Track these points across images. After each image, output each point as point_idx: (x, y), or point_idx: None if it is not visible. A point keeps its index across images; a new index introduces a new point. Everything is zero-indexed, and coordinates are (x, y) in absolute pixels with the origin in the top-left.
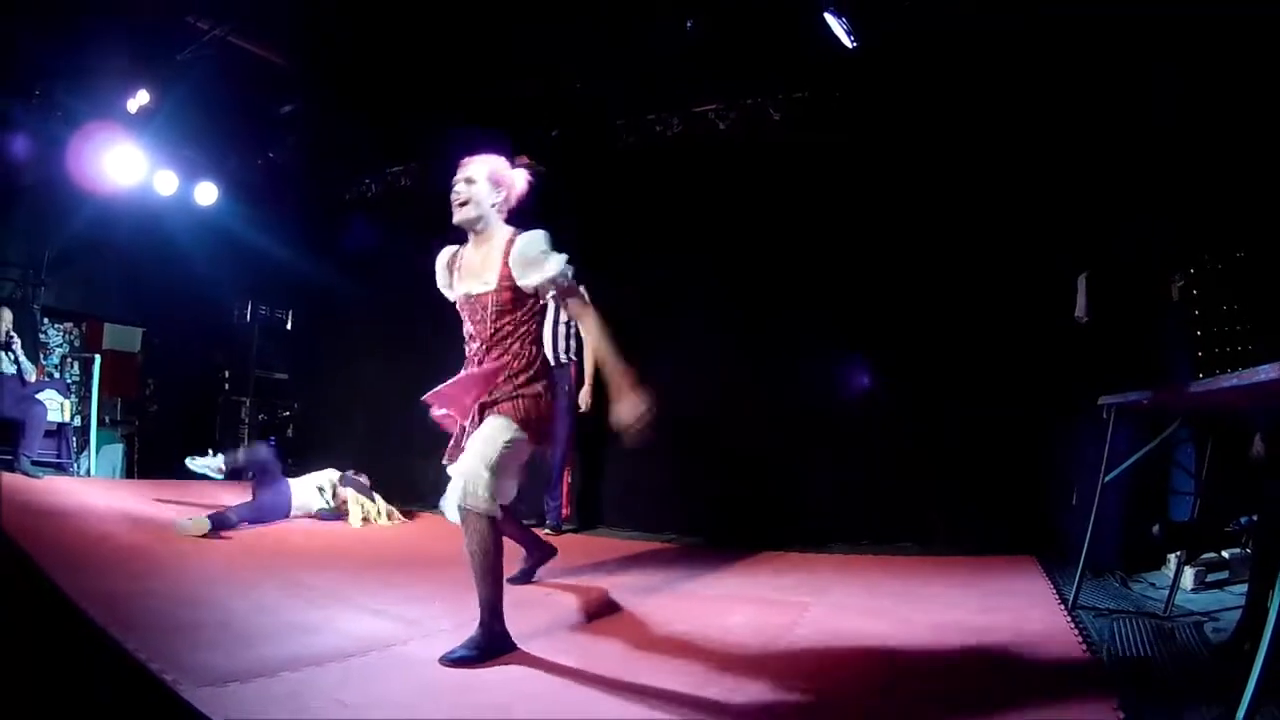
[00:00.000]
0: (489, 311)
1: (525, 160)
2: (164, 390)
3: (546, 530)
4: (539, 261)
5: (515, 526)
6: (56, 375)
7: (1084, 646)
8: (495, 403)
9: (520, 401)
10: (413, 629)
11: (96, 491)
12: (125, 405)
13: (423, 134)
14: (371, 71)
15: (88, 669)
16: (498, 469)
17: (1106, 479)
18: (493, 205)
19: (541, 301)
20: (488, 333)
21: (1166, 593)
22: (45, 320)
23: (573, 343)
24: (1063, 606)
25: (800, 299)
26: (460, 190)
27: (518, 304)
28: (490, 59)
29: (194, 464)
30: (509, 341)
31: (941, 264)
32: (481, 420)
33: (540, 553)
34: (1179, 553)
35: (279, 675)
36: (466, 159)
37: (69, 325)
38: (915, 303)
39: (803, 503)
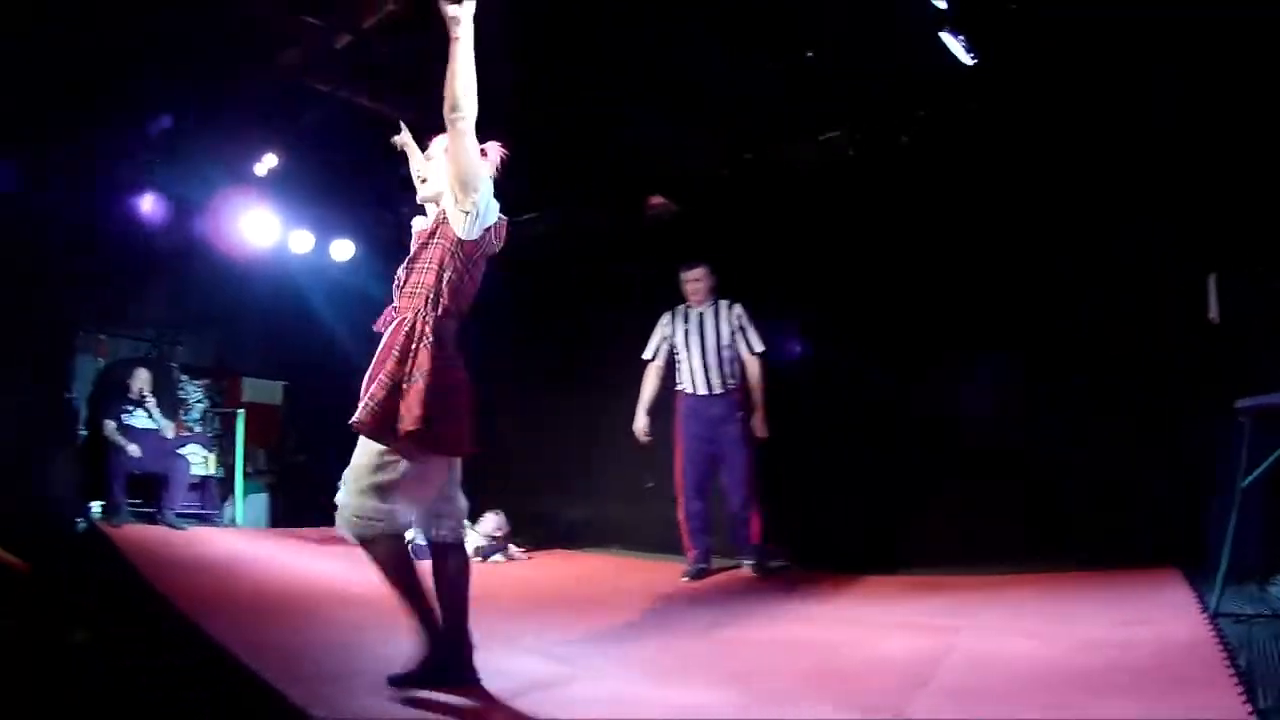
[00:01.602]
0: None
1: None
2: (307, 441)
3: (751, 571)
4: None
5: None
6: (198, 429)
7: (1224, 655)
8: None
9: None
10: (573, 668)
11: (243, 542)
12: (268, 456)
13: (551, 184)
14: (498, 117)
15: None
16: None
17: (1244, 484)
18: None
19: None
20: None
21: None
22: (184, 377)
23: (736, 367)
24: (1205, 615)
25: (935, 312)
26: (418, 168)
27: None
28: (620, 101)
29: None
30: None
31: (1075, 269)
32: None
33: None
34: None
35: None
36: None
37: (207, 381)
38: (1047, 308)
39: (940, 524)
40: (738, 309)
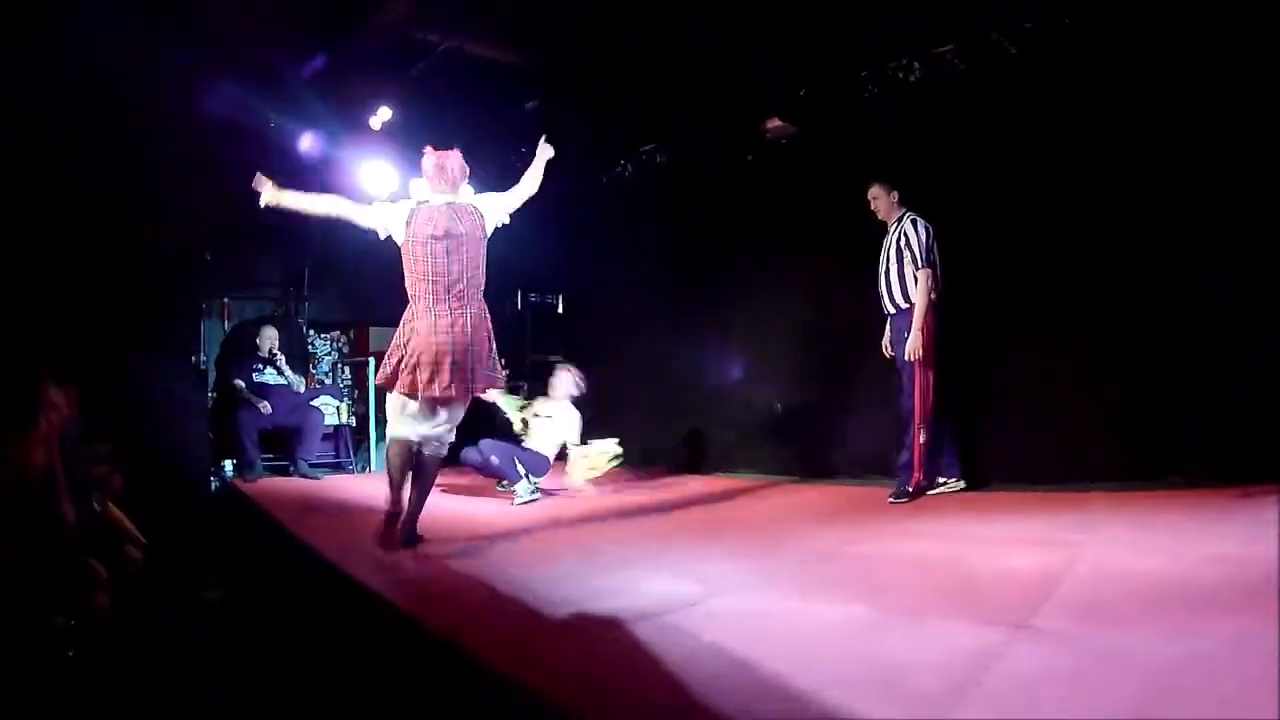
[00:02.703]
0: None
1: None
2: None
3: (890, 499)
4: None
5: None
6: (328, 382)
7: None
8: None
9: None
10: (709, 586)
11: (378, 487)
12: None
13: (669, 111)
14: (610, 54)
15: (400, 651)
16: None
17: None
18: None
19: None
20: None
21: None
22: (311, 332)
23: (911, 285)
24: None
25: (1055, 223)
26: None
27: None
28: (726, 27)
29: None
30: None
31: (1195, 177)
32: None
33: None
34: None
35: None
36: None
37: (335, 334)
38: (1169, 217)
39: (1067, 440)
40: (906, 224)
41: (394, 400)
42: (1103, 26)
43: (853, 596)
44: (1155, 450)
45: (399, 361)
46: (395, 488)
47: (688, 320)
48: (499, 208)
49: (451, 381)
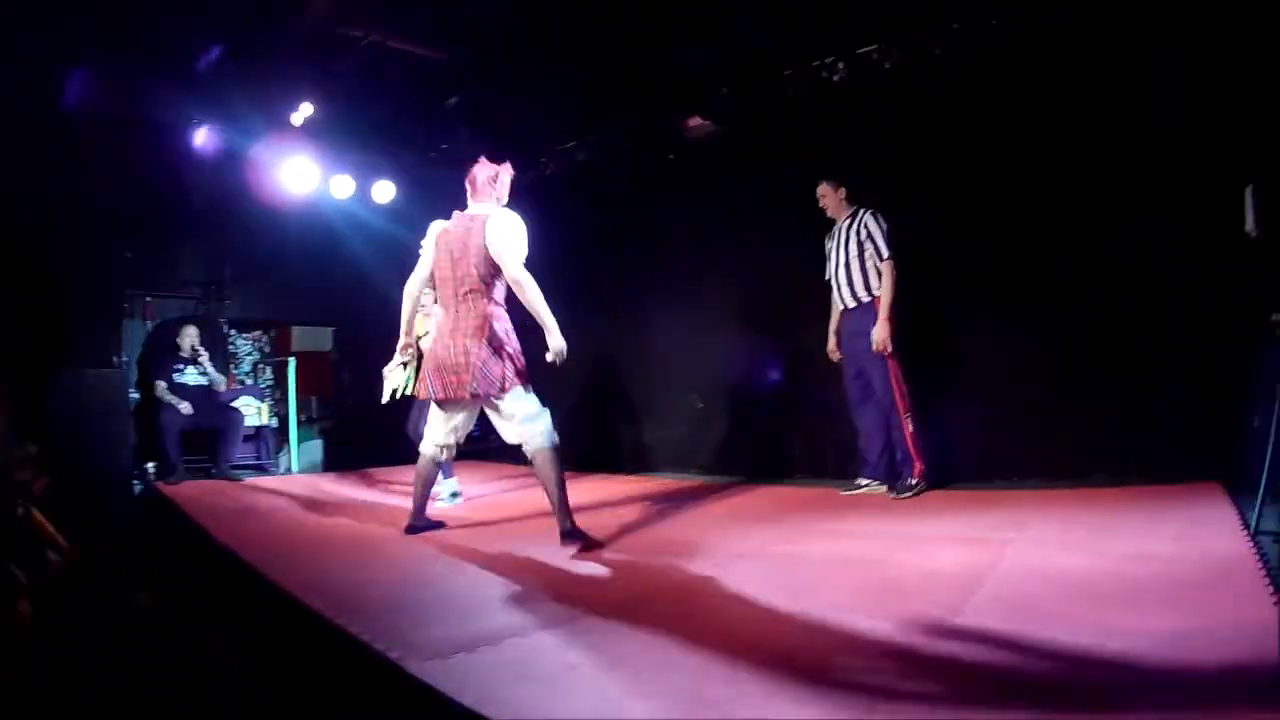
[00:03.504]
0: None
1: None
2: (358, 384)
3: (893, 494)
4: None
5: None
6: (249, 382)
7: (1264, 572)
8: None
9: None
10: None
11: (300, 488)
12: (321, 402)
13: (592, 109)
14: (531, 52)
15: (316, 656)
16: None
17: None
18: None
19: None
20: None
21: None
22: (232, 332)
23: (873, 277)
24: (1246, 533)
25: (977, 223)
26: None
27: None
28: (650, 25)
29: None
30: None
31: (1112, 185)
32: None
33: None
34: None
35: (505, 643)
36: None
37: (256, 333)
38: (1087, 221)
39: (998, 439)
40: (867, 217)
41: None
42: (1037, 28)
43: (780, 595)
44: (1082, 448)
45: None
46: (414, 499)
47: (610, 319)
48: (500, 241)
49: (444, 385)
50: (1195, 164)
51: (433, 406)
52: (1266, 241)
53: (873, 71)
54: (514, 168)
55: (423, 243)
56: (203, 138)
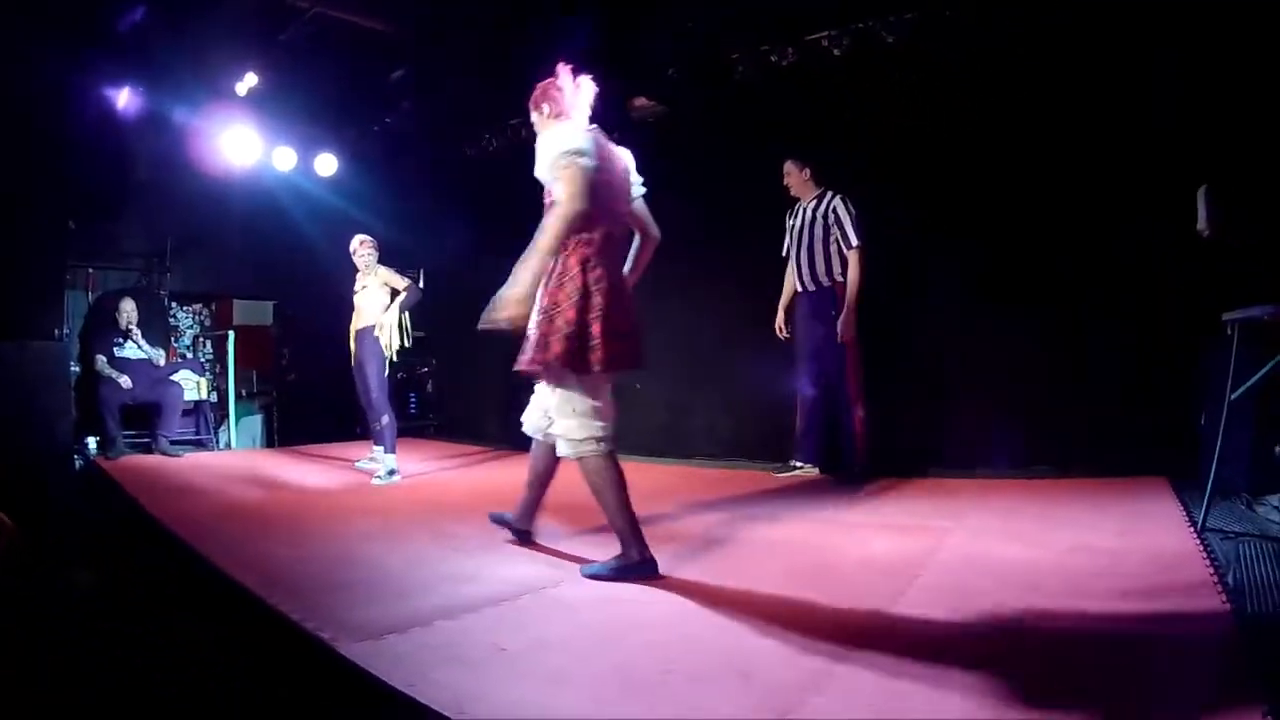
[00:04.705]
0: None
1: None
2: (299, 359)
3: (834, 481)
4: (541, 152)
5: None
6: (189, 355)
7: (1211, 570)
8: None
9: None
10: (563, 571)
11: (239, 464)
12: (261, 378)
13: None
14: (477, 26)
15: (248, 635)
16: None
17: (1232, 398)
18: (546, 119)
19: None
20: None
21: None
22: (173, 305)
23: (836, 262)
24: (1192, 530)
25: (931, 222)
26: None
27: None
28: (599, 3)
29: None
30: None
31: (1062, 181)
32: None
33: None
34: None
35: (435, 624)
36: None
37: (197, 306)
38: (1040, 220)
39: (940, 429)
40: (836, 201)
41: None
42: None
43: (712, 580)
44: (1027, 440)
45: None
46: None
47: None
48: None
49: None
50: (1150, 160)
51: None
52: (1217, 241)
53: (822, 58)
54: (459, 142)
55: None
56: (125, 99)
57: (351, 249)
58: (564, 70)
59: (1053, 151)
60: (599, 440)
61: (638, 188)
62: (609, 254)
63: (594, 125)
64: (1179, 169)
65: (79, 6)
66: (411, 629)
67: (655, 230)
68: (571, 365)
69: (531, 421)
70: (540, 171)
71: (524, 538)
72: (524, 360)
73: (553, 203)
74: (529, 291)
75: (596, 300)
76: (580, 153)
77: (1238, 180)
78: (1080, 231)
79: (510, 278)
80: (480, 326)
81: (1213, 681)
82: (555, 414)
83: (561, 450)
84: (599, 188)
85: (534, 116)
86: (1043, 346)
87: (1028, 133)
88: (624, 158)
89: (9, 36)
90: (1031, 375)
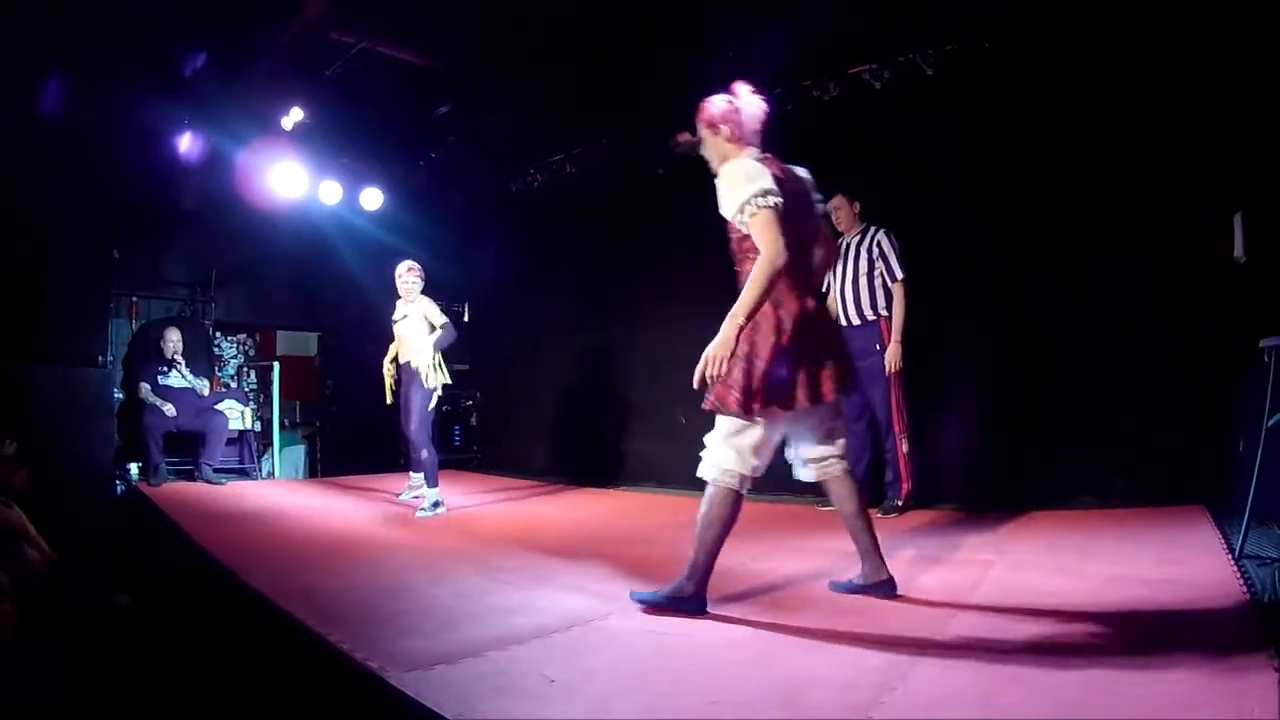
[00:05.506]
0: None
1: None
2: (342, 391)
3: (879, 513)
4: (726, 189)
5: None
6: (234, 385)
7: (1248, 596)
8: None
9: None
10: (611, 604)
11: (283, 493)
12: (305, 408)
13: (580, 121)
14: (522, 62)
15: (295, 664)
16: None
17: (1270, 424)
18: (723, 141)
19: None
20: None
21: None
22: (218, 334)
23: (880, 296)
24: (1230, 556)
25: (971, 254)
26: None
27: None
28: (640, 38)
29: None
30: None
31: (1098, 211)
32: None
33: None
34: None
35: (484, 655)
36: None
37: (242, 336)
38: (1077, 251)
39: (982, 462)
40: (881, 235)
41: None
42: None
43: (757, 614)
44: (1067, 472)
45: None
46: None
47: (594, 332)
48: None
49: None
50: (1188, 188)
51: None
52: (1254, 266)
53: (864, 90)
54: (503, 177)
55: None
56: (187, 144)
57: (398, 273)
58: (744, 89)
59: (1087, 181)
60: (745, 478)
61: (821, 206)
62: (799, 284)
63: (767, 155)
64: (1217, 195)
65: (137, 45)
66: (461, 660)
67: (831, 243)
68: (741, 404)
69: (797, 471)
70: (726, 211)
71: (888, 589)
72: (710, 401)
73: (748, 245)
74: (734, 346)
75: (786, 338)
76: (769, 192)
77: (1275, 205)
78: (1116, 261)
79: (720, 334)
80: (695, 387)
81: (1251, 712)
82: (718, 439)
83: (702, 470)
84: (788, 222)
85: (705, 134)
86: (1082, 377)
87: (1064, 163)
88: (805, 179)
89: (58, 68)
90: (1071, 406)
